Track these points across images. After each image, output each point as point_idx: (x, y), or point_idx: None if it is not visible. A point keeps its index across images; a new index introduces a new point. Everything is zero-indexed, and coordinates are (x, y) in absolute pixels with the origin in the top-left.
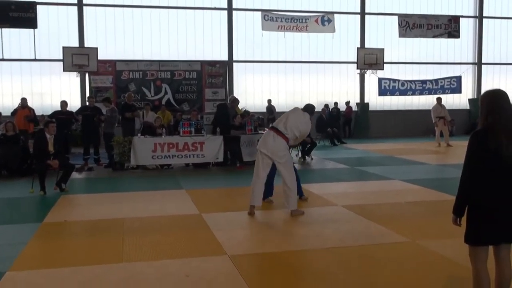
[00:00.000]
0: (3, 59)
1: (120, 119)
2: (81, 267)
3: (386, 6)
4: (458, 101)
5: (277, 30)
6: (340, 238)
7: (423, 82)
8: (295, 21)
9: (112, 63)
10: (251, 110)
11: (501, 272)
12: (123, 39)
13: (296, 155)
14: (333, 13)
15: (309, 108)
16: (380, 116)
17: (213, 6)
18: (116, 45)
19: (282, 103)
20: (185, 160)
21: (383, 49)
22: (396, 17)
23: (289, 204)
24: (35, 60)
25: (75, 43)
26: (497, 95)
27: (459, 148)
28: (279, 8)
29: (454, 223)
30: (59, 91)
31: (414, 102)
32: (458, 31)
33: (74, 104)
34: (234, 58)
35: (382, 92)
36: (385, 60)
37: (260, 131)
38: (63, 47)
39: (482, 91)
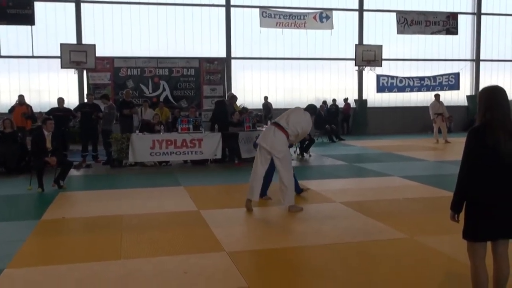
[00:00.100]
0: (0, 56)
1: (118, 116)
2: (80, 264)
3: (384, 2)
4: (456, 97)
5: (275, 26)
6: (338, 234)
7: (421, 78)
8: (293, 17)
9: (110, 60)
10: (249, 107)
11: (499, 268)
12: (121, 36)
13: (295, 152)
14: (331, 9)
15: (310, 108)
16: (378, 113)
17: (211, 3)
18: (114, 42)
19: (280, 100)
20: (183, 157)
21: (381, 46)
22: (394, 14)
23: (285, 201)
24: (32, 57)
25: (73, 40)
26: (495, 91)
27: (457, 145)
28: (277, 5)
29: (452, 219)
30: (57, 88)
31: (412, 99)
32: (456, 27)
33: (72, 101)
34: (232, 55)
35: (380, 88)
36: (383, 57)
37: (258, 128)
38: (61, 44)
39: (480, 88)
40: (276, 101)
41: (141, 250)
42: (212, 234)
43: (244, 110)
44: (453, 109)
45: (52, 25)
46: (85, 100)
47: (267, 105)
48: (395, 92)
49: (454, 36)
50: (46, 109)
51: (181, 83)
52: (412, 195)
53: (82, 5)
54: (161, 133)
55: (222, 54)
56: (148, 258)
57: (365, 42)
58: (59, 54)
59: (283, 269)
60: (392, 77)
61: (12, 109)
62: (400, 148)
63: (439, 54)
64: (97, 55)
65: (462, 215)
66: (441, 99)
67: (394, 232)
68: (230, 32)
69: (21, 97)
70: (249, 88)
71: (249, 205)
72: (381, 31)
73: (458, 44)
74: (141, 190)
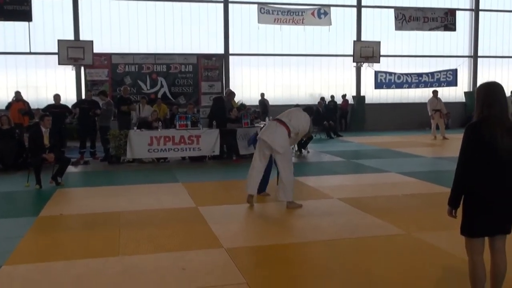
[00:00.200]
0: None
1: (116, 113)
2: (77, 260)
3: None
4: (454, 94)
5: (273, 23)
6: (336, 230)
7: (419, 75)
8: (291, 14)
9: (108, 56)
10: (247, 103)
11: (496, 264)
12: (118, 32)
13: (292, 148)
14: (329, 6)
15: (309, 108)
16: (376, 109)
17: None
18: (112, 39)
19: (278, 96)
20: (181, 154)
21: (379, 42)
22: (392, 10)
23: (285, 196)
24: (30, 53)
25: (71, 36)
26: (492, 87)
27: (455, 141)
28: (275, 1)
29: (450, 215)
30: (55, 85)
31: (410, 95)
32: (454, 24)
33: (70, 97)
34: (230, 51)
35: (378, 85)
36: (381, 53)
37: (256, 125)
38: (58, 40)
39: (478, 84)
40: (274, 98)
41: (139, 247)
42: (210, 230)
43: (242, 106)
44: (451, 105)
45: (50, 21)
46: (83, 97)
47: (263, 101)
48: (393, 88)
49: (452, 33)
50: (44, 106)
51: (179, 79)
52: (409, 191)
53: (80, 1)
54: (159, 130)
55: (220, 50)
56: (146, 255)
57: (363, 38)
58: (56, 51)
59: (281, 265)
60: (390, 74)
61: (9, 106)
62: (398, 144)
63: (437, 51)
64: (94, 51)
65: (460, 211)
66: (439, 95)
67: (392, 228)
68: (228, 28)
69: (17, 94)
70: (247, 85)
71: (251, 200)
72: (379, 27)
73: (456, 41)
74: (139, 187)
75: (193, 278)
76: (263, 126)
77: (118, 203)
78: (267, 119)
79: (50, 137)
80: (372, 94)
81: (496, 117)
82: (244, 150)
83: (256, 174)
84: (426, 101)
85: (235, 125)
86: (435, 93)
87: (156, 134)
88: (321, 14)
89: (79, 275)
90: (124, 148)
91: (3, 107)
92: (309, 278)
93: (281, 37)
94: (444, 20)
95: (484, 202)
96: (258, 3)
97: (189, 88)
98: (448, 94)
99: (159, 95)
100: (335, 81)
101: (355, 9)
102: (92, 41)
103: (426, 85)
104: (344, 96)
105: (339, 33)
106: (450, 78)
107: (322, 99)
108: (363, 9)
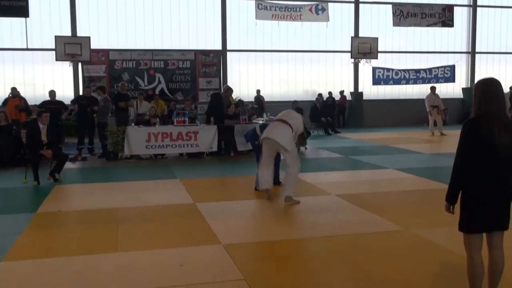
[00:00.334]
0: None
1: (114, 109)
2: (75, 256)
3: None
4: (451, 90)
5: (271, 19)
6: (334, 227)
7: (417, 71)
8: (289, 10)
9: (105, 52)
10: (245, 99)
11: (494, 260)
12: (116, 28)
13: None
14: (327, 2)
15: (299, 109)
16: (374, 105)
17: None
18: (109, 34)
19: (276, 93)
20: (179, 150)
21: (377, 38)
22: (390, 6)
23: (286, 191)
24: (27, 49)
25: (68, 33)
26: (490, 84)
27: (453, 137)
28: None
29: (447, 211)
30: (52, 81)
31: (408, 91)
32: (452, 20)
33: (67, 93)
34: (228, 47)
35: (376, 81)
36: (379, 49)
37: (254, 121)
38: (56, 36)
39: (476, 80)
40: (272, 94)
41: (137, 243)
42: (208, 226)
43: (240, 102)
44: (449, 101)
45: (47, 17)
46: (81, 93)
47: (259, 98)
48: (391, 84)
49: (450, 29)
50: (40, 102)
51: (176, 75)
52: (407, 188)
53: None
54: (157, 126)
55: (218, 46)
56: (144, 251)
57: (361, 34)
58: (53, 47)
59: (279, 262)
60: (388, 70)
61: (5, 102)
62: (395, 140)
63: (435, 47)
64: (92, 47)
65: (458, 207)
66: (437, 91)
67: (390, 224)
68: (226, 24)
69: (13, 90)
70: (244, 81)
71: (270, 195)
72: (377, 23)
73: (454, 37)
74: (136, 183)
75: (191, 274)
76: (262, 123)
77: (116, 199)
78: (265, 115)
79: (47, 133)
80: (370, 91)
81: (494, 113)
82: (242, 147)
83: (268, 172)
84: (424, 97)
85: (233, 121)
86: (433, 89)
87: (154, 130)
88: (319, 10)
89: (77, 271)
90: (121, 144)
91: (0, 104)
92: (307, 274)
93: (279, 33)
94: (442, 16)
95: (481, 198)
96: None
97: (187, 84)
98: (446, 90)
99: (157, 91)
100: (333, 77)
101: (353, 5)
102: (89, 37)
103: (424, 81)
104: (342, 92)
105: (337, 29)
106: (448, 74)
107: (320, 95)
108: (360, 5)
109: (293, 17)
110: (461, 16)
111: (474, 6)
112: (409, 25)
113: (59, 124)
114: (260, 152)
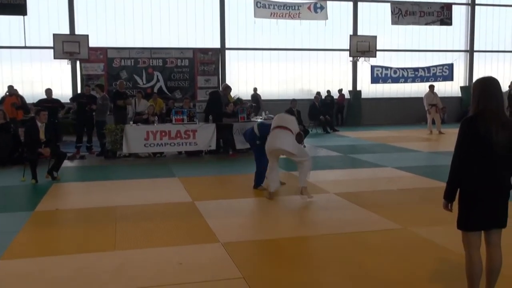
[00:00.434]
0: None
1: (112, 107)
2: (74, 255)
3: None
4: (450, 88)
5: (270, 17)
6: (333, 225)
7: (415, 69)
8: (288, 8)
9: (104, 50)
10: (243, 97)
11: (492, 258)
12: (114, 26)
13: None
14: (325, 0)
15: (290, 111)
16: (373, 104)
17: None
18: (107, 33)
19: (275, 91)
20: (178, 148)
21: (375, 37)
22: (388, 4)
23: (304, 182)
24: (25, 47)
25: (66, 31)
26: (488, 82)
27: (451, 136)
28: None
29: (445, 208)
30: (50, 79)
31: (406, 90)
32: (450, 18)
33: (66, 92)
34: (227, 46)
35: (375, 79)
36: (377, 48)
37: (252, 119)
38: (54, 34)
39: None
40: (271, 92)
41: (136, 241)
42: (206, 225)
43: (239, 101)
44: (447, 100)
45: (45, 15)
46: (79, 91)
47: (256, 96)
48: (389, 83)
49: (448, 27)
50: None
51: (175, 73)
52: (406, 186)
53: None
54: (155, 124)
55: (217, 44)
56: (143, 249)
57: (359, 32)
58: (52, 45)
59: (277, 260)
60: (386, 68)
61: (2, 100)
62: (394, 139)
63: (433, 45)
64: (90, 45)
65: (456, 205)
66: (435, 90)
67: (388, 222)
68: (225, 22)
69: (10, 88)
70: (243, 79)
71: (271, 196)
72: (376, 21)
73: (452, 35)
74: (135, 181)
75: (189, 272)
76: (260, 122)
77: (114, 197)
78: (263, 114)
79: (45, 131)
80: (369, 89)
81: (492, 111)
82: (240, 145)
83: (275, 173)
84: (423, 95)
85: (231, 119)
86: (431, 87)
87: (152, 128)
88: (318, 8)
89: (75, 269)
90: (120, 142)
91: None
92: (306, 272)
93: (278, 32)
94: (440, 14)
95: (479, 195)
96: None
97: (185, 83)
98: (444, 88)
99: (155, 90)
100: (332, 76)
101: (351, 4)
102: (87, 35)
103: (422, 79)
104: (340, 90)
105: (336, 27)
106: (446, 72)
107: (318, 93)
108: (359, 4)
109: (292, 16)
110: (459, 14)
111: (472, 5)
112: (408, 23)
113: (56, 122)
114: (259, 152)
